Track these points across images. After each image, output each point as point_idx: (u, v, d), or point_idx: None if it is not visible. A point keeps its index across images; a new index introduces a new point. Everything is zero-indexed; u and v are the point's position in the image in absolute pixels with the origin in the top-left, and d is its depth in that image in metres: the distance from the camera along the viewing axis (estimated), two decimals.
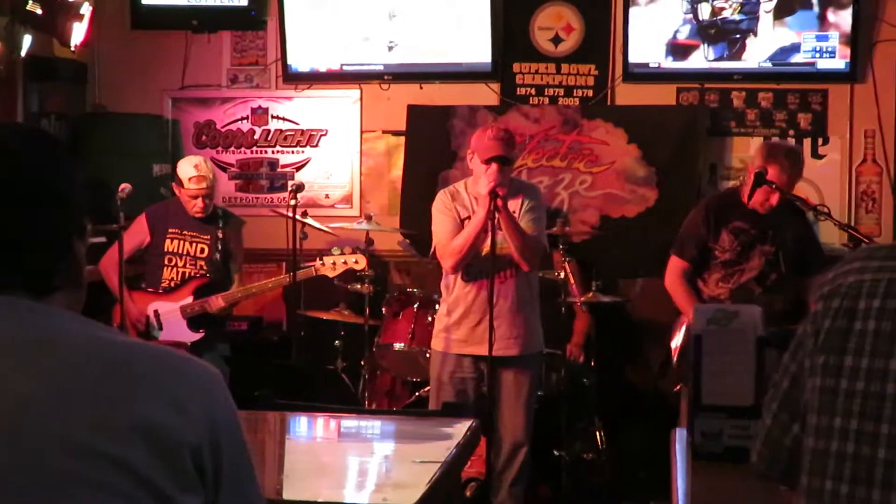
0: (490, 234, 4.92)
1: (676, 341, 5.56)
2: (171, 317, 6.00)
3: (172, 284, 6.10)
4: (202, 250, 6.11)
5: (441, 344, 5.26)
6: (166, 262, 6.12)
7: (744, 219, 5.43)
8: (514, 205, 5.09)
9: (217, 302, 5.98)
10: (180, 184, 6.03)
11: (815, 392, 1.55)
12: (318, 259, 6.01)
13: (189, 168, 5.99)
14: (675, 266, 5.57)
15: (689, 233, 5.59)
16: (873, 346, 1.48)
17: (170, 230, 6.11)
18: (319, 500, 2.77)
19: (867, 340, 1.49)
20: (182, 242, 6.10)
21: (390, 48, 7.07)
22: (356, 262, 6.00)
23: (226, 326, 6.28)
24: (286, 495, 2.75)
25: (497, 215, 4.90)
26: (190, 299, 6.03)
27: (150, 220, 6.12)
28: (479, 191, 5.01)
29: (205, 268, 6.11)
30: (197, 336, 5.96)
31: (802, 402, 1.59)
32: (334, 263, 5.97)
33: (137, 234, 6.02)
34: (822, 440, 1.52)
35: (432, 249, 5.25)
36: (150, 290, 6.13)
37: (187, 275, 6.10)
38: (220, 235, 6.13)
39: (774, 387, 1.67)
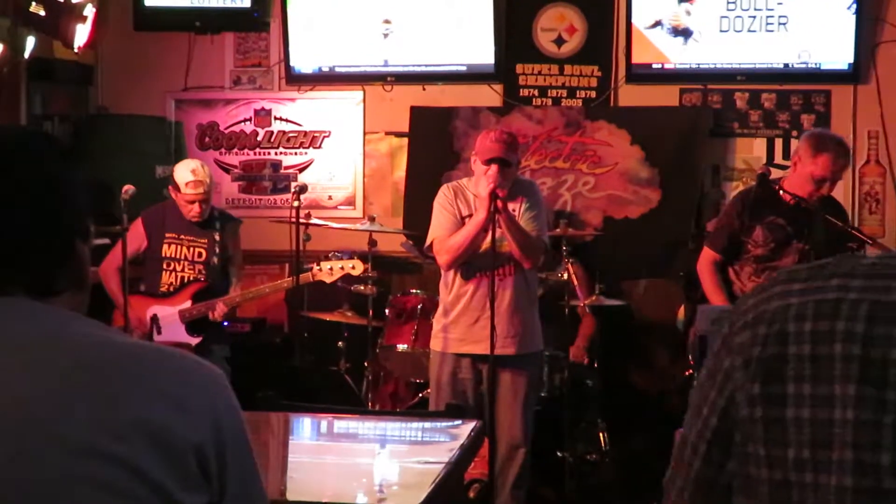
0: (490, 233, 4.91)
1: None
2: (169, 321, 5.99)
3: (171, 289, 6.08)
4: (200, 254, 6.09)
5: (439, 344, 5.25)
6: (165, 266, 6.09)
7: (781, 214, 5.31)
8: (513, 205, 5.09)
9: (220, 310, 5.96)
10: (177, 188, 6.00)
11: (758, 423, 1.50)
12: (315, 264, 6.01)
13: (186, 173, 5.97)
14: (706, 256, 5.49)
15: (723, 224, 5.50)
16: (813, 371, 1.45)
17: (167, 235, 6.08)
18: (323, 500, 2.77)
19: (805, 366, 1.45)
20: (179, 247, 6.08)
21: (393, 49, 7.07)
22: (353, 267, 6.00)
23: (223, 329, 6.26)
24: (290, 496, 2.76)
25: (497, 217, 4.90)
26: (188, 303, 6.01)
27: (147, 225, 6.09)
28: (480, 192, 5.01)
29: (203, 272, 6.09)
30: (195, 340, 5.96)
31: (734, 436, 1.54)
32: (331, 269, 5.97)
33: (134, 238, 5.99)
34: (777, 470, 1.48)
35: (427, 243, 5.24)
36: (148, 294, 6.12)
37: (186, 279, 6.08)
38: (218, 238, 6.10)
39: (701, 425, 1.58)
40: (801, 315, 1.47)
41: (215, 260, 6.10)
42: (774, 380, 1.47)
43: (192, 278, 6.07)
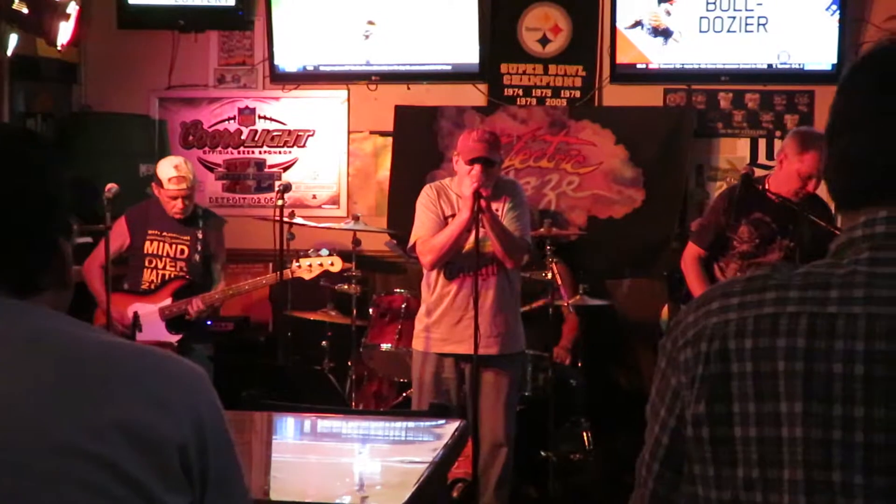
0: (474, 233, 4.91)
1: None
2: (149, 318, 5.97)
3: (152, 286, 6.08)
4: (182, 251, 6.09)
5: (422, 344, 5.25)
6: (147, 263, 6.10)
7: (766, 211, 5.34)
8: (496, 205, 5.08)
9: (197, 306, 5.96)
10: (160, 184, 6.00)
11: (705, 443, 1.47)
12: (294, 261, 6.00)
13: (169, 169, 5.97)
14: (690, 252, 5.52)
15: (709, 220, 5.53)
16: (756, 389, 1.42)
17: (149, 232, 6.08)
18: (307, 500, 2.77)
19: (748, 384, 1.41)
20: (161, 244, 6.08)
21: (378, 49, 7.07)
22: (332, 264, 6.00)
23: (206, 327, 6.25)
24: (273, 496, 2.75)
25: (481, 216, 4.90)
26: (169, 301, 6.01)
27: (130, 223, 6.09)
28: (463, 192, 5.00)
29: (185, 269, 6.08)
30: (175, 338, 5.95)
31: (685, 455, 1.53)
32: (310, 266, 5.97)
33: (118, 236, 5.97)
34: (726, 491, 1.45)
35: (411, 244, 5.24)
36: (130, 291, 6.11)
37: (167, 276, 6.08)
38: (200, 236, 6.10)
39: (653, 444, 1.56)
40: (741, 332, 1.44)
41: (197, 257, 6.10)
42: (719, 398, 1.45)
43: (173, 276, 6.07)
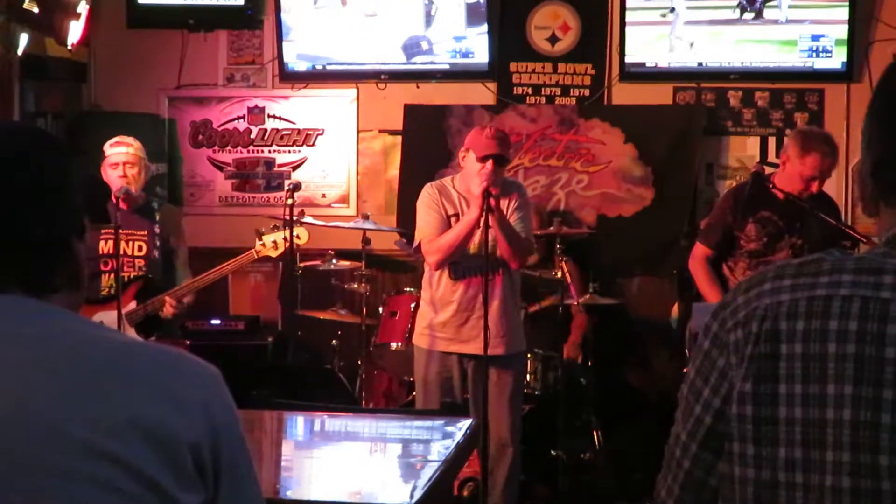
0: (484, 233, 4.90)
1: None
2: (116, 326, 5.32)
3: (112, 291, 5.54)
4: (140, 248, 5.69)
5: (425, 341, 5.25)
6: (102, 266, 5.60)
7: (772, 209, 5.34)
8: (503, 204, 5.07)
9: (170, 305, 5.51)
10: (102, 157, 5.59)
11: (747, 422, 1.48)
12: (258, 239, 5.65)
13: (112, 140, 5.65)
14: (698, 252, 5.52)
15: (715, 220, 5.54)
16: (804, 370, 1.43)
17: (102, 231, 5.57)
18: (317, 499, 2.77)
19: (796, 365, 1.44)
20: (116, 242, 5.45)
21: (387, 47, 7.06)
22: (297, 237, 5.66)
23: (178, 331, 5.93)
24: (284, 494, 2.75)
25: (489, 215, 4.88)
26: (133, 304, 5.54)
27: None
28: (472, 190, 4.98)
29: (144, 268, 5.67)
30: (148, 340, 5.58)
31: (725, 437, 1.51)
32: (275, 242, 5.63)
33: None
34: (766, 470, 1.46)
35: (416, 244, 5.22)
36: (89, 301, 5.44)
37: (126, 279, 5.55)
38: (158, 230, 5.70)
39: (693, 424, 1.56)
40: (793, 313, 1.46)
41: (156, 254, 5.71)
42: (766, 378, 1.46)
43: (132, 276, 5.63)
